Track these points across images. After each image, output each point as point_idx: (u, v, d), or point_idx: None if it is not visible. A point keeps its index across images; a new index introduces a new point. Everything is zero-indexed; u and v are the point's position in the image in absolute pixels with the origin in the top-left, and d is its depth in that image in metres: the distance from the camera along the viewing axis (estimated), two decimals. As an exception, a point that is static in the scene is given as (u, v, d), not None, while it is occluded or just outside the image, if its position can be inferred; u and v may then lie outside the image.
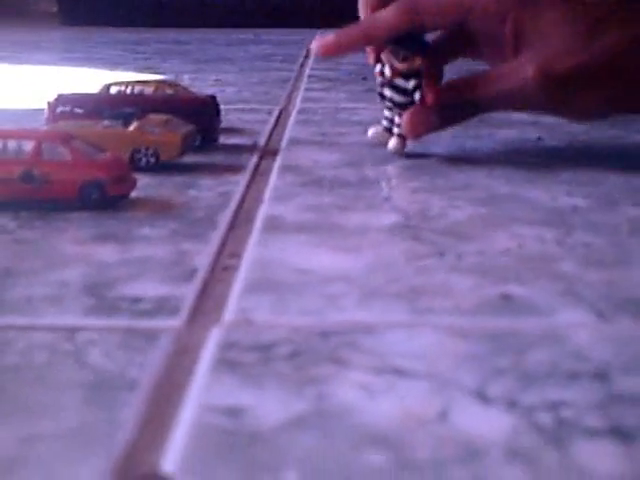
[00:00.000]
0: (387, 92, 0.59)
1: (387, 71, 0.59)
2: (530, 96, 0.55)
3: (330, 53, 0.60)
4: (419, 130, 0.59)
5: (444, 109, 0.58)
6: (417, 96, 0.58)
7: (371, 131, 0.62)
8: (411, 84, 0.58)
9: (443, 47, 0.61)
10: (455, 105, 0.58)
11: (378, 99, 0.60)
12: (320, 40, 0.60)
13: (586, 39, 0.55)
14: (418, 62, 0.58)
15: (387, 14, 0.58)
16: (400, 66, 0.58)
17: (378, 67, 0.60)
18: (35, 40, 1.61)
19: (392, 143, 0.60)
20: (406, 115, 0.58)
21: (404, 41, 0.58)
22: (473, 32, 0.59)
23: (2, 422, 0.24)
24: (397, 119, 0.59)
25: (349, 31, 0.59)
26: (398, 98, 0.59)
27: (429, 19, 0.58)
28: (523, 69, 0.55)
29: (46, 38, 1.67)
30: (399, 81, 0.58)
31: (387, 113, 0.60)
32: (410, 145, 0.61)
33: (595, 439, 0.24)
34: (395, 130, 0.60)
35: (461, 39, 0.60)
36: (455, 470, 0.22)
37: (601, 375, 0.28)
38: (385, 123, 0.61)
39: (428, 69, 0.59)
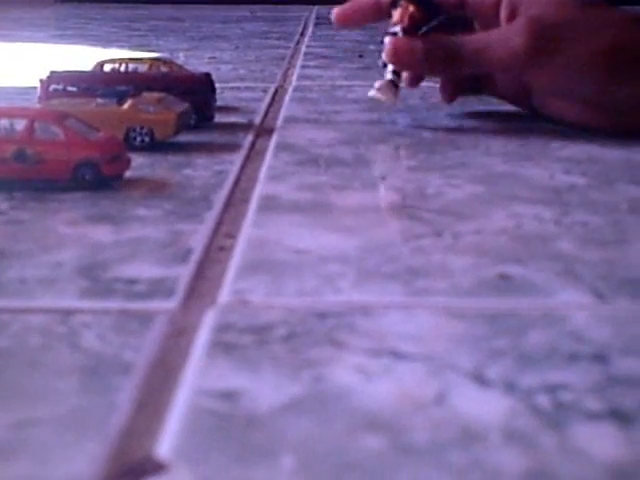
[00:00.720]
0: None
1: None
2: (513, 42, 0.55)
3: (346, 20, 0.62)
4: (403, 57, 0.58)
5: (430, 43, 0.57)
6: (406, 22, 0.58)
7: (376, 84, 0.60)
8: (398, 28, 0.58)
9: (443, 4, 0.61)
10: (440, 45, 0.57)
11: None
12: (338, 8, 0.62)
13: (581, 6, 0.56)
14: (411, 9, 0.58)
15: None
16: (394, 13, 0.58)
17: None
18: (28, 17, 1.60)
19: (377, 83, 0.59)
20: (389, 40, 0.58)
21: None
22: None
23: (-5, 406, 0.24)
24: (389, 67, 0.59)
25: None
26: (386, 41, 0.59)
27: None
28: (513, 24, 0.56)
29: (39, 15, 1.65)
30: (392, 28, 0.59)
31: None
32: (406, 122, 0.60)
33: (594, 422, 0.24)
34: (387, 75, 0.59)
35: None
36: (453, 453, 0.22)
37: (600, 357, 0.27)
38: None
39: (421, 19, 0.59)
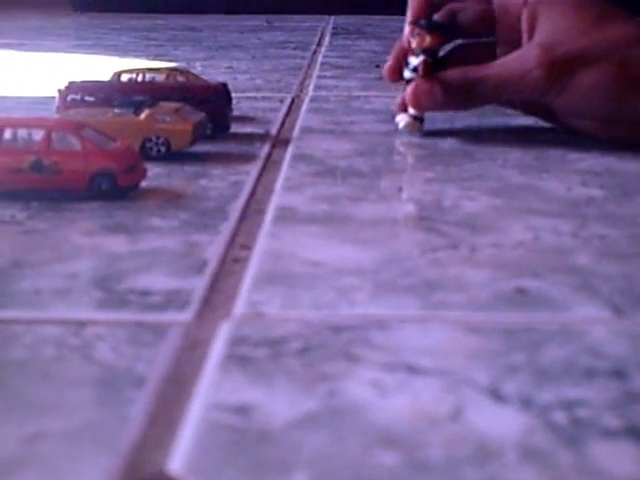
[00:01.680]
0: (405, 72, 0.60)
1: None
2: (531, 76, 0.57)
3: (396, 74, 0.63)
4: (423, 102, 0.60)
5: (449, 85, 0.59)
6: (420, 70, 0.59)
7: (401, 123, 0.62)
8: (418, 60, 0.59)
9: (460, 28, 0.63)
10: (459, 84, 0.59)
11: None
12: (386, 67, 0.64)
13: (590, 27, 0.57)
14: (428, 40, 0.58)
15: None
16: (412, 43, 0.59)
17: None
18: (47, 27, 1.60)
19: (403, 121, 0.61)
20: (410, 87, 0.60)
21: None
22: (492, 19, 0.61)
23: (8, 419, 0.24)
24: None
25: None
26: (407, 74, 0.60)
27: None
28: (528, 50, 0.57)
29: (58, 25, 1.66)
30: (411, 59, 0.60)
31: None
32: (423, 133, 0.60)
33: (611, 439, 0.23)
34: (410, 111, 0.60)
35: (479, 23, 0.62)
36: (468, 470, 0.22)
37: (618, 372, 0.27)
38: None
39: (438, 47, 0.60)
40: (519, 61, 0.58)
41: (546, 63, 0.56)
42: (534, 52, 0.57)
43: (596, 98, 0.57)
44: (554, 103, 0.59)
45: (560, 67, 0.56)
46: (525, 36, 0.59)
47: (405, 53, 0.62)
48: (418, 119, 0.61)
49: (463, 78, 0.59)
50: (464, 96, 0.60)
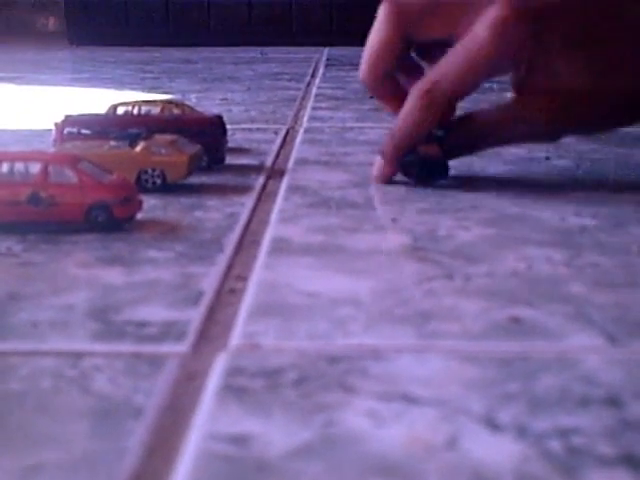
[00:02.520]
0: None
1: None
2: (500, 35, 0.52)
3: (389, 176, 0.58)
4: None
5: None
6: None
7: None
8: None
9: None
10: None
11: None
12: (376, 169, 0.58)
13: None
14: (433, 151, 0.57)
15: (408, 111, 0.56)
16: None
17: None
18: (43, 60, 1.61)
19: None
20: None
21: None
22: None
23: (5, 451, 0.24)
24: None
25: (389, 148, 0.57)
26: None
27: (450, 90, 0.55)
28: (493, 7, 0.52)
29: (54, 58, 1.67)
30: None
31: None
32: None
33: (607, 467, 0.23)
34: None
35: None
36: (465, 500, 0.22)
37: (613, 401, 0.27)
38: None
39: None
40: (483, 21, 0.52)
41: (514, 17, 0.52)
42: (499, 7, 0.52)
43: (565, 46, 0.53)
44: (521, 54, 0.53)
45: (529, 20, 0.52)
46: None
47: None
48: None
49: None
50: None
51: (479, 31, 0.53)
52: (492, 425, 0.26)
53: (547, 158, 0.66)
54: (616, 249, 0.43)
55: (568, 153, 0.68)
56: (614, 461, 0.24)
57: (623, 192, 0.55)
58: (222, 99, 1.04)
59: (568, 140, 0.70)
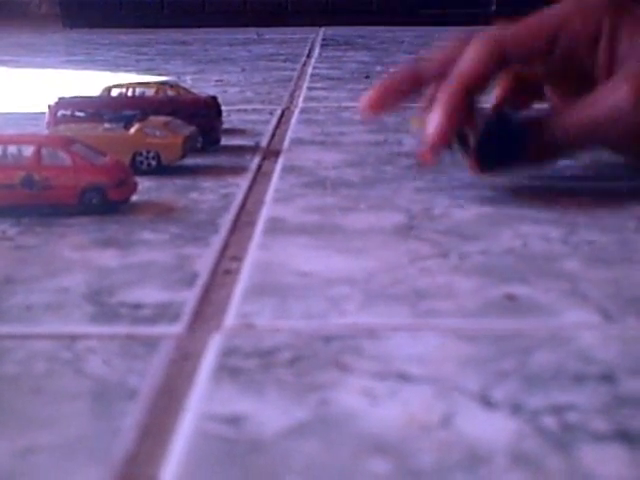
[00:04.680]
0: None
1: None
2: (623, 119, 0.47)
3: (379, 108, 0.51)
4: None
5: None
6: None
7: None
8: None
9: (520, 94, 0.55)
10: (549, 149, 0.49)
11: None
12: (364, 99, 0.51)
13: None
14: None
15: (467, 52, 0.49)
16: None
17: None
18: (37, 43, 1.61)
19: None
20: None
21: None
22: (556, 65, 0.51)
23: (0, 433, 0.24)
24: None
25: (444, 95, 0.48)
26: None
27: (512, 51, 0.49)
28: (615, 88, 0.47)
29: (48, 41, 1.67)
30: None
31: None
32: (412, 143, 0.61)
33: (601, 443, 0.24)
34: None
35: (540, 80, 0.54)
36: (459, 476, 0.22)
37: (607, 377, 0.27)
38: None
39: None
40: (606, 102, 0.47)
41: (638, 102, 0.46)
42: (623, 89, 0.46)
43: None
44: None
45: None
46: (602, 71, 0.49)
47: (411, 83, 0.51)
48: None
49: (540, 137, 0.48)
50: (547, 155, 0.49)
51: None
52: (487, 402, 0.26)
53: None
54: (612, 226, 0.43)
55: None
56: (608, 437, 0.24)
57: (619, 169, 0.55)
58: (217, 80, 1.04)
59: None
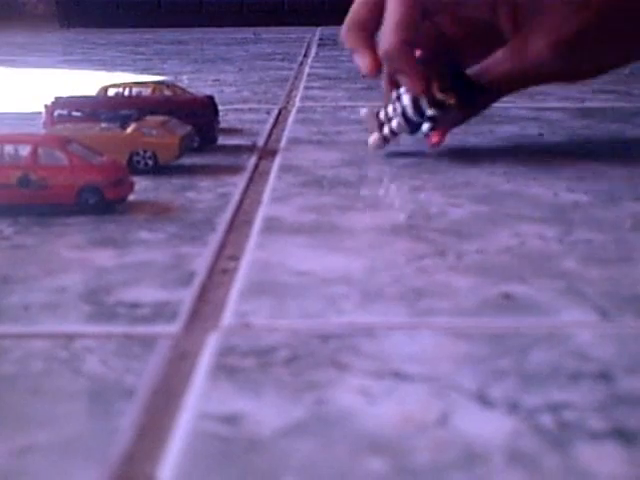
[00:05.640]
0: (405, 100, 0.57)
1: (405, 100, 0.57)
2: (546, 67, 0.55)
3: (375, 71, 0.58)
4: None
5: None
6: (425, 128, 0.57)
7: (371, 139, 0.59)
8: (430, 112, 0.56)
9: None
10: (471, 92, 0.57)
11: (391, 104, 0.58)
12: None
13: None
14: (451, 101, 0.56)
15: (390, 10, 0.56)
16: (436, 92, 0.56)
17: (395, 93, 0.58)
18: (34, 43, 1.61)
19: (372, 142, 0.59)
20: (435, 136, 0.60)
21: (453, 76, 0.56)
22: (469, 28, 0.59)
23: (-3, 433, 0.24)
24: (394, 123, 0.57)
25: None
26: (425, 127, 0.57)
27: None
28: (532, 43, 0.54)
29: (45, 40, 1.66)
30: (422, 100, 0.56)
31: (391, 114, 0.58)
32: (409, 143, 0.61)
33: (598, 441, 0.24)
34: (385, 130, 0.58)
35: (462, 44, 0.59)
36: (456, 475, 0.22)
37: (604, 375, 0.27)
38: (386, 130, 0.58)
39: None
40: (527, 55, 0.55)
41: (557, 51, 0.54)
42: (540, 42, 0.54)
43: (611, 61, 0.56)
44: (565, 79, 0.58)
45: (572, 49, 0.54)
46: (507, 28, 0.56)
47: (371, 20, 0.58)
48: (387, 139, 0.58)
49: (486, 81, 0.56)
50: (477, 102, 0.59)
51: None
52: (484, 401, 0.26)
53: (540, 134, 0.66)
54: (608, 225, 0.43)
55: (561, 130, 0.68)
56: (605, 435, 0.24)
57: (615, 168, 0.55)
58: (214, 80, 1.04)
59: (561, 117, 0.70)
